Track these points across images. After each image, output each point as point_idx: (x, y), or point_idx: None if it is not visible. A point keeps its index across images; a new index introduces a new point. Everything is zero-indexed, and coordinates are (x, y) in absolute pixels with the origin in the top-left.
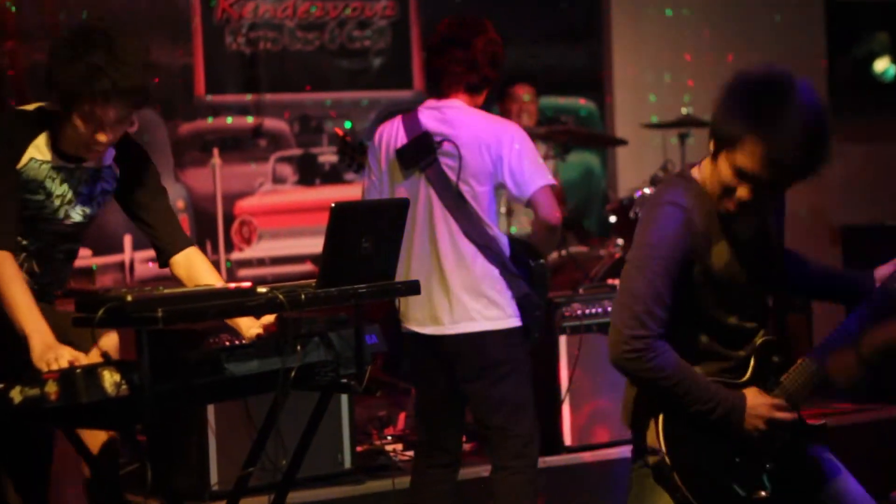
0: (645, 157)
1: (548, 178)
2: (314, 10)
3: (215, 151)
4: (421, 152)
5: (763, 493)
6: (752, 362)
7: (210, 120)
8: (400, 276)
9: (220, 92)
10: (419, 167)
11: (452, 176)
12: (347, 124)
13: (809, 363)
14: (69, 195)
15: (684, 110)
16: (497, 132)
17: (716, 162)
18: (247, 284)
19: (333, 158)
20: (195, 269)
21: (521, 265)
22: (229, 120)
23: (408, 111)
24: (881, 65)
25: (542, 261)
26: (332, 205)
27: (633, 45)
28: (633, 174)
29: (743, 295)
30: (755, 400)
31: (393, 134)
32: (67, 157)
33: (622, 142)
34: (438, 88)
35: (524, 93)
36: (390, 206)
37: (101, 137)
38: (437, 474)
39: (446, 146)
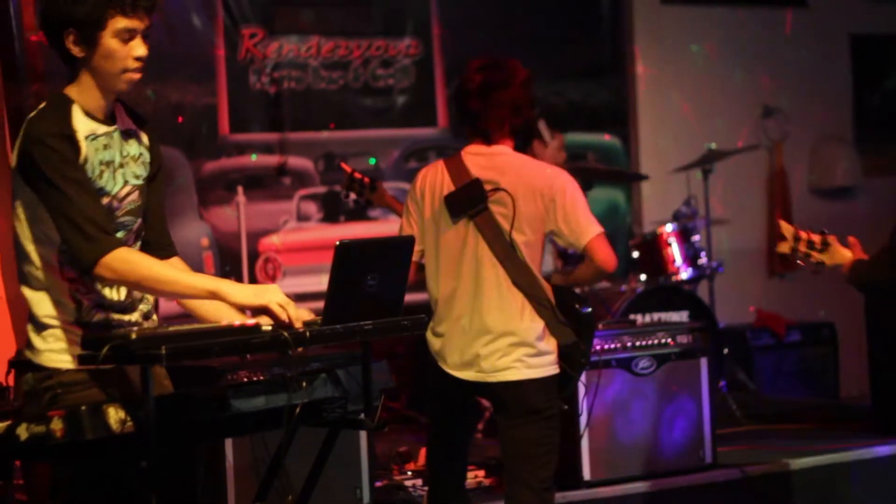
0: (669, 193)
1: (600, 226)
2: (338, 49)
3: (240, 189)
4: (471, 200)
5: None
6: None
7: (234, 158)
8: (443, 320)
9: (244, 131)
10: (468, 215)
11: (506, 225)
12: (371, 161)
13: None
14: (117, 158)
15: (707, 145)
16: (549, 179)
17: None
18: (252, 322)
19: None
20: None
21: (569, 313)
22: (254, 158)
23: (450, 156)
24: None
25: (589, 309)
26: (337, 242)
27: (658, 81)
28: (657, 209)
29: None
30: None
31: (438, 180)
32: (99, 121)
33: (642, 177)
34: (484, 134)
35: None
36: (396, 243)
37: (140, 50)
38: None
39: (500, 195)
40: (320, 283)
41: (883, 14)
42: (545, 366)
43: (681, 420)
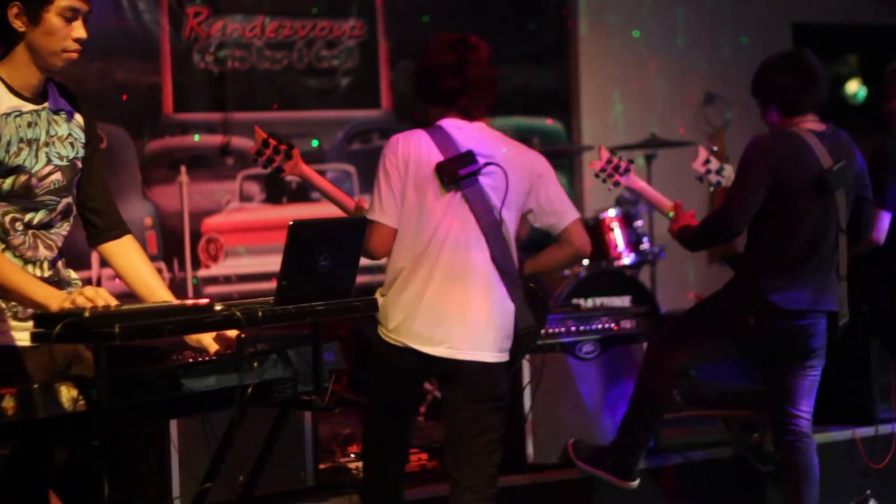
0: None
1: (577, 211)
2: (283, 29)
3: (183, 169)
4: (463, 171)
5: None
6: None
7: (178, 137)
8: (406, 290)
9: (187, 110)
10: (458, 186)
11: (496, 199)
12: (314, 143)
13: None
14: (42, 136)
15: (651, 131)
16: (532, 159)
17: None
18: (204, 301)
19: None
20: (135, 261)
21: (527, 295)
22: (197, 138)
23: (430, 128)
24: (852, 87)
25: (544, 292)
26: (291, 223)
27: (601, 67)
28: (599, 195)
29: None
30: None
31: (423, 149)
32: (26, 99)
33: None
34: (464, 110)
35: None
36: (349, 224)
37: (80, 32)
38: None
39: (493, 168)
40: (262, 263)
41: (825, 3)
42: (507, 350)
43: (624, 404)
